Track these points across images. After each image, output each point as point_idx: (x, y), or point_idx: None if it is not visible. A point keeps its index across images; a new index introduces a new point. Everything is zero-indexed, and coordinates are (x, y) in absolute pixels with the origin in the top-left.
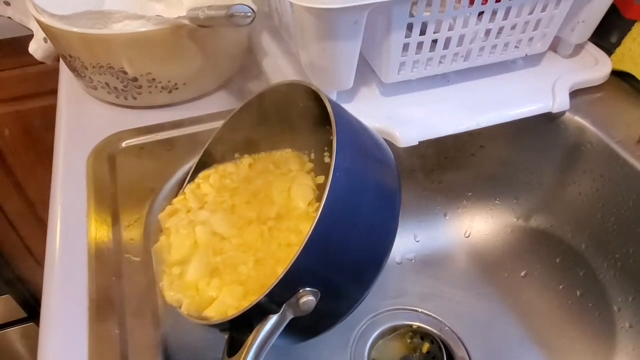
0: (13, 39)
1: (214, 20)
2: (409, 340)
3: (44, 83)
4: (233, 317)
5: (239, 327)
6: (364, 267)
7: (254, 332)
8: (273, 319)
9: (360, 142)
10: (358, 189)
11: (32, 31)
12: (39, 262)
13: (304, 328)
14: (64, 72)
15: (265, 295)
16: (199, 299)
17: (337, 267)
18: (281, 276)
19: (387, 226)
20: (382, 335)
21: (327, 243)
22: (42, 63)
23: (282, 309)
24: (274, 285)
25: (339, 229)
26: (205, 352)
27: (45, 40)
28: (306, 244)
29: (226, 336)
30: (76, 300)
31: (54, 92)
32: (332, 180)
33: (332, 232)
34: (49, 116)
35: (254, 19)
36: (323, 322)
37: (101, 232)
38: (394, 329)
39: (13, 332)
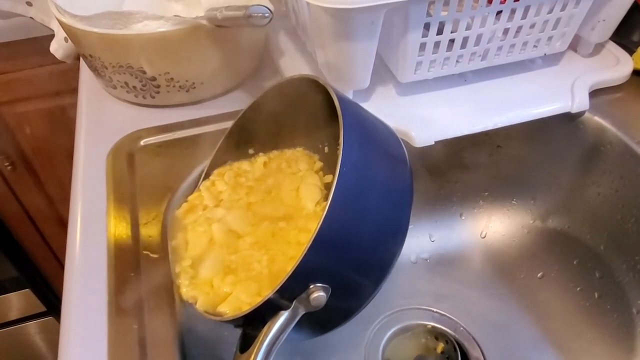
0: (34, 39)
1: (232, 21)
2: (423, 340)
3: (64, 82)
4: (246, 312)
5: (252, 323)
6: (375, 263)
7: (265, 328)
8: (285, 315)
9: (369, 137)
10: (366, 185)
11: (53, 31)
12: (58, 258)
13: (317, 324)
14: (84, 72)
15: (276, 291)
16: (213, 295)
17: (346, 262)
18: (290, 272)
19: (398, 222)
20: (396, 335)
21: (335, 239)
22: (62, 62)
23: (293, 304)
24: (284, 281)
25: (347, 225)
26: (220, 347)
27: (66, 40)
28: (314, 240)
29: (240, 331)
30: (96, 295)
31: (73, 90)
32: (338, 177)
33: (340, 228)
34: (68, 114)
35: (271, 19)
36: (335, 318)
37: (120, 229)
38: (408, 329)
39: (33, 326)
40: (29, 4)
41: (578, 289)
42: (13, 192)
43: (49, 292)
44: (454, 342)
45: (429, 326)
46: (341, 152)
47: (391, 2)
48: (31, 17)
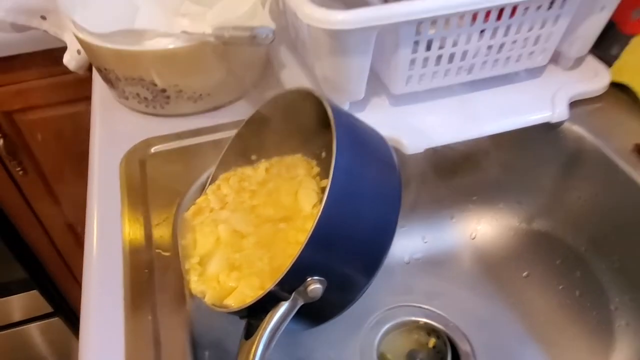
0: (47, 50)
1: (237, 40)
2: (415, 336)
3: (75, 91)
4: (250, 304)
5: (256, 314)
6: (366, 259)
7: (267, 317)
8: (285, 305)
9: (361, 144)
10: (357, 188)
11: (66, 43)
12: (64, 259)
13: (314, 315)
14: (97, 83)
15: (276, 284)
16: (220, 290)
17: (340, 258)
18: (289, 267)
19: (388, 221)
20: (390, 330)
21: (329, 237)
22: (73, 73)
23: (293, 296)
24: (284, 274)
25: (339, 224)
26: (227, 337)
27: (78, 52)
28: (309, 238)
29: (245, 322)
30: (113, 291)
31: (83, 99)
32: (332, 180)
33: (334, 228)
34: (78, 122)
35: (273, 39)
36: (331, 310)
37: (134, 229)
38: (401, 325)
39: (39, 326)
40: (43, 17)
41: (560, 287)
42: (23, 196)
43: (55, 294)
44: (445, 337)
45: (422, 322)
46: (334, 158)
47: (382, 24)
48: (45, 30)
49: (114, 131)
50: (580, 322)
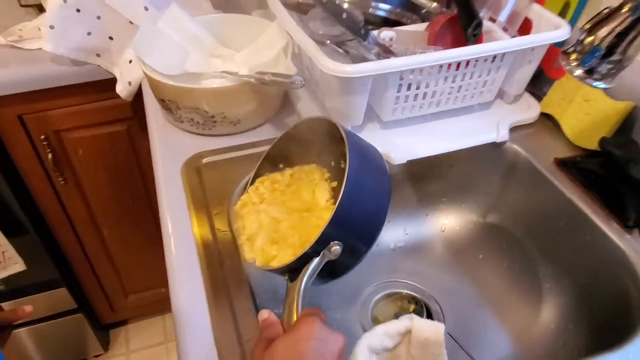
0: (97, 81)
1: (275, 83)
2: (400, 303)
3: (113, 114)
4: (291, 262)
5: (293, 270)
6: (366, 234)
7: (307, 265)
8: (317, 259)
9: (364, 155)
10: (362, 185)
11: (114, 75)
12: (90, 260)
13: (330, 272)
14: (150, 109)
15: (310, 248)
16: (265, 257)
17: (350, 232)
18: (318, 236)
19: (382, 210)
20: (380, 299)
21: (344, 218)
22: (113, 98)
23: (322, 253)
24: (315, 241)
25: (351, 209)
26: (277, 290)
27: (129, 84)
28: (332, 217)
29: (285, 278)
30: (191, 259)
31: (119, 120)
32: (346, 179)
33: (347, 211)
34: (114, 139)
35: (304, 85)
36: (341, 269)
37: (200, 218)
38: (389, 295)
39: (66, 321)
40: (98, 55)
41: (505, 264)
42: (61, 203)
43: (79, 292)
44: (422, 303)
45: (404, 293)
46: (347, 166)
47: (376, 74)
48: (98, 65)
49: (171, 147)
50: (519, 288)
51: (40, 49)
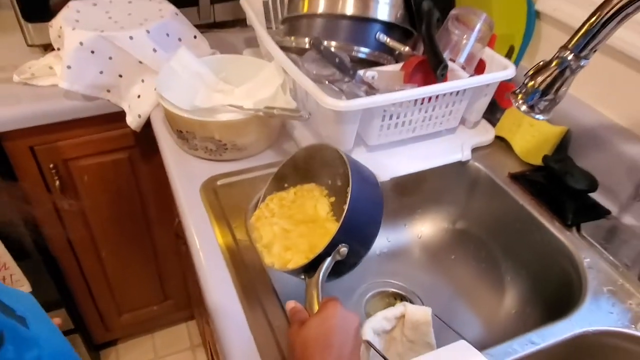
0: (105, 114)
1: (282, 116)
2: (387, 299)
3: (117, 143)
4: (305, 263)
5: (307, 270)
6: (366, 239)
7: (322, 264)
8: (329, 259)
9: (362, 174)
10: (363, 198)
11: (122, 109)
12: (87, 281)
13: (337, 271)
14: (162, 139)
15: (323, 250)
16: (282, 261)
17: (353, 237)
18: (329, 242)
19: (377, 218)
20: (371, 297)
21: (349, 226)
22: (118, 129)
23: (332, 254)
24: (327, 245)
25: (354, 219)
26: (297, 289)
27: (139, 116)
28: (340, 226)
29: (301, 277)
30: (220, 266)
31: (122, 149)
32: (351, 194)
33: (351, 221)
34: (118, 167)
35: (309, 118)
36: (345, 268)
37: (222, 230)
38: (378, 293)
39: None
40: (108, 91)
41: (474, 263)
42: (64, 227)
43: (75, 312)
44: (407, 299)
45: (390, 291)
46: (351, 181)
47: (365, 108)
48: (108, 100)
49: (187, 172)
50: (485, 281)
51: (52, 85)
